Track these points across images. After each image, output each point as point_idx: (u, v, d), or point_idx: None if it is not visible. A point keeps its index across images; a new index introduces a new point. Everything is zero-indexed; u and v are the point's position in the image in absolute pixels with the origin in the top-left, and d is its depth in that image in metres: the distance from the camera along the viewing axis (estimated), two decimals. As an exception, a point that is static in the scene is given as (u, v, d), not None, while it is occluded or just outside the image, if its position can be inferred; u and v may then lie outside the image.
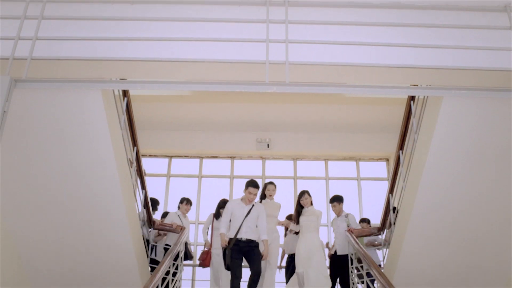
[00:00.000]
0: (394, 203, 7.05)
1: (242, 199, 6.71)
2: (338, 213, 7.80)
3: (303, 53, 4.86)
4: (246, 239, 6.39)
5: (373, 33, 4.91)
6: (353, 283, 7.13)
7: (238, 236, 6.39)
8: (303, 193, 7.31)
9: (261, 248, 6.61)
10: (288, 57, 4.59)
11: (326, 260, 7.05)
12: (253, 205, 6.64)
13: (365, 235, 8.14)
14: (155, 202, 8.34)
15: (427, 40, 4.91)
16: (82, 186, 5.72)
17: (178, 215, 8.06)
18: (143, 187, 7.19)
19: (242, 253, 6.39)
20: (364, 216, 10.40)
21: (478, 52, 4.86)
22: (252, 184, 6.61)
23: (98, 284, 6.68)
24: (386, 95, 8.64)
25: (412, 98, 6.12)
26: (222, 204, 7.82)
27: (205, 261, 7.63)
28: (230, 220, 6.59)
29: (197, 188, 10.65)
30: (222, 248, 6.45)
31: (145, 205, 7.33)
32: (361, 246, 6.75)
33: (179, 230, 7.42)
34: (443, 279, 6.49)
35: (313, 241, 6.94)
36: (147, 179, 7.47)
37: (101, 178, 5.67)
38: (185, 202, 8.32)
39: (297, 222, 7.26)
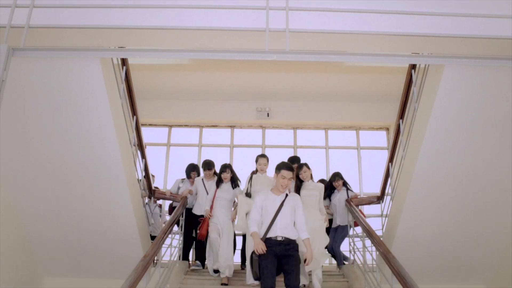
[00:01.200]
0: (394, 172, 7.06)
1: (271, 189, 5.28)
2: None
3: (303, 21, 4.81)
4: (283, 237, 4.90)
5: (374, 1, 4.85)
6: (353, 252, 7.20)
7: (271, 235, 4.93)
8: (301, 165, 6.73)
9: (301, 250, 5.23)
10: (289, 25, 4.55)
11: (326, 238, 6.47)
12: (286, 194, 5.17)
13: (365, 204, 8.19)
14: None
15: (429, 7, 4.86)
16: (82, 155, 5.73)
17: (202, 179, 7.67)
18: (143, 156, 7.20)
19: (276, 257, 4.88)
20: (364, 186, 10.46)
21: (480, 20, 4.82)
22: (285, 166, 5.20)
23: (100, 252, 6.74)
24: (387, 64, 8.57)
25: (413, 66, 6.07)
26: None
27: (201, 230, 6.96)
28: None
29: (197, 157, 10.65)
30: (255, 253, 4.82)
31: (146, 175, 7.35)
32: (361, 216, 6.79)
33: (178, 199, 7.45)
34: (441, 247, 6.55)
35: (315, 219, 6.37)
36: (147, 148, 7.47)
37: (101, 147, 5.67)
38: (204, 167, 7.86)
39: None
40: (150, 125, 10.78)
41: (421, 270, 6.53)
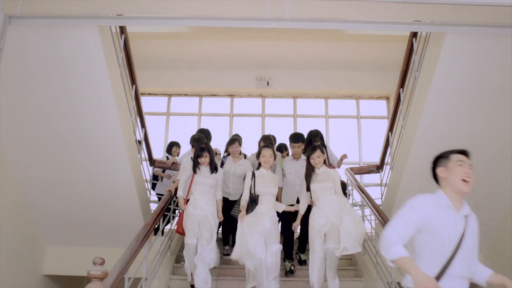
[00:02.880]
0: (394, 141, 7.06)
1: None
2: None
3: (304, -12, 4.75)
4: None
5: (376, -33, 4.79)
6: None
7: None
8: (313, 149, 5.69)
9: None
10: (289, -8, 4.49)
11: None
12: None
13: (364, 173, 8.21)
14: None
15: (431, -26, 4.80)
16: (82, 125, 5.72)
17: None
18: (143, 125, 7.19)
19: None
20: (364, 156, 10.47)
21: (482, -14, 4.76)
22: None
23: (101, 221, 6.79)
24: (388, 32, 8.48)
25: (414, 34, 6.02)
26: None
27: (178, 226, 6.01)
28: None
29: (196, 126, 10.62)
30: None
31: (146, 144, 7.35)
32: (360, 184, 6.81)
33: (178, 167, 7.46)
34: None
35: (337, 206, 5.42)
36: (146, 118, 7.45)
37: (101, 116, 5.66)
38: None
39: (308, 189, 5.66)
40: (150, 94, 10.74)
41: (419, 238, 6.58)
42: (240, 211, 5.63)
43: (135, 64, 6.61)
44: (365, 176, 8.86)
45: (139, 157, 6.87)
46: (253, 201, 5.58)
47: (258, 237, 5.34)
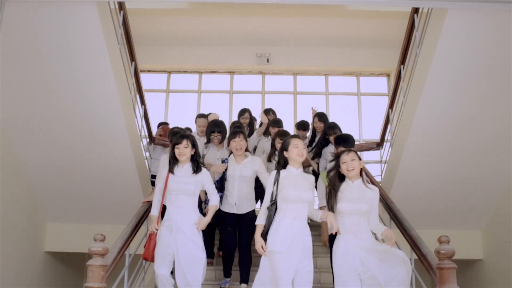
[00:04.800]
0: (394, 118, 7.05)
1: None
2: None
3: (304, -37, 4.70)
4: None
5: None
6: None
7: None
8: (346, 152, 4.25)
9: None
10: (289, -33, 4.44)
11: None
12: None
13: (364, 150, 8.22)
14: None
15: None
16: (81, 102, 5.71)
17: None
18: (143, 102, 7.17)
19: None
20: (364, 133, 10.46)
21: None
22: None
23: (102, 198, 6.82)
24: (390, 7, 8.42)
25: (416, 10, 5.96)
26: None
27: (146, 251, 4.63)
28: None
29: (196, 103, 10.61)
30: None
31: (146, 121, 7.33)
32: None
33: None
34: (439, 193, 6.61)
35: (372, 242, 4.08)
36: (146, 95, 7.42)
37: (100, 93, 5.64)
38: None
39: (331, 209, 4.14)
40: (149, 71, 10.68)
41: (418, 215, 6.61)
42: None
43: (134, 41, 6.57)
44: (365, 153, 8.86)
45: (139, 134, 6.86)
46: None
47: (290, 271, 3.92)
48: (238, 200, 5.22)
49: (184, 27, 9.94)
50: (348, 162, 4.15)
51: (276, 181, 4.18)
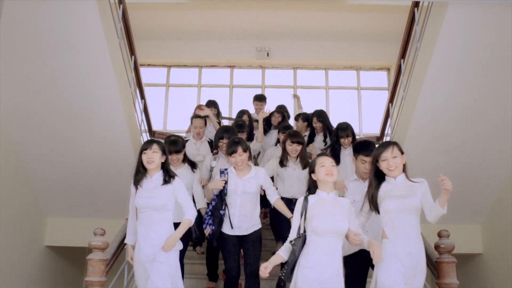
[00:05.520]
0: (394, 113, 7.05)
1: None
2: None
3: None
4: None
5: None
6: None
7: None
8: (386, 145, 3.73)
9: None
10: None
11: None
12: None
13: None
14: None
15: None
16: (81, 96, 5.71)
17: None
18: (142, 96, 7.16)
19: None
20: (364, 127, 10.46)
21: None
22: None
23: (102, 193, 6.82)
24: (390, 1, 8.43)
25: (416, 4, 5.95)
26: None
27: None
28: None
29: (196, 98, 10.59)
30: None
31: (145, 115, 7.33)
32: None
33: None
34: (439, 188, 6.60)
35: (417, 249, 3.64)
36: (146, 89, 7.41)
37: (100, 87, 5.64)
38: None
39: (376, 210, 3.71)
40: (149, 65, 10.66)
41: (418, 209, 6.61)
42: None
43: (134, 35, 6.56)
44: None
45: (139, 128, 6.86)
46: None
47: None
48: (239, 220, 4.38)
49: (184, 21, 9.92)
50: (390, 159, 3.61)
51: (304, 209, 3.58)
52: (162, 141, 4.23)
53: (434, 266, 4.24)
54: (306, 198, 3.63)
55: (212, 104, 7.04)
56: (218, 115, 7.11)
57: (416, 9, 5.94)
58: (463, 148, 6.15)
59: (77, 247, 7.46)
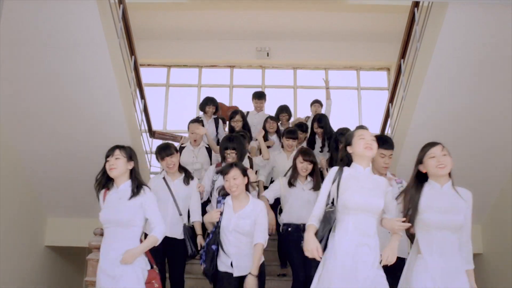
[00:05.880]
0: (394, 113, 7.05)
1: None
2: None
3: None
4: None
5: None
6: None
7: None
8: (433, 143, 3.38)
9: None
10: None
11: None
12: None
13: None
14: None
15: None
16: (81, 96, 5.71)
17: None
18: (142, 96, 7.16)
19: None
20: (363, 125, 10.44)
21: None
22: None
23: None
24: (390, 1, 8.42)
25: (416, 4, 5.95)
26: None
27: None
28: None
29: (196, 98, 10.58)
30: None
31: (145, 115, 7.33)
32: None
33: (179, 139, 7.45)
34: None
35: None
36: (146, 89, 7.41)
37: (100, 87, 5.64)
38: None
39: (411, 222, 3.21)
40: (149, 65, 10.65)
41: (418, 209, 6.61)
42: None
43: (134, 35, 6.56)
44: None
45: (139, 128, 6.86)
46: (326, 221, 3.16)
47: None
48: (236, 259, 3.83)
49: (184, 21, 9.92)
50: (439, 156, 3.23)
51: (336, 180, 3.21)
52: (128, 148, 3.69)
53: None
54: (341, 169, 3.26)
55: (210, 101, 6.88)
56: (217, 111, 6.99)
57: (416, 9, 5.94)
58: (463, 148, 6.14)
59: (77, 247, 7.46)
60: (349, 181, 3.18)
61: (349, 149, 3.33)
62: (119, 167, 3.53)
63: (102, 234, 4.20)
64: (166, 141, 4.84)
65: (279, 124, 6.93)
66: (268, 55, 10.43)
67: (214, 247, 3.88)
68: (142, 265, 3.43)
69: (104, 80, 5.55)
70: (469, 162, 6.29)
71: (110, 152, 3.61)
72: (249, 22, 9.90)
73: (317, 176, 4.64)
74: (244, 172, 3.90)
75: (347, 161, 3.33)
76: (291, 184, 4.62)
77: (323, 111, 7.79)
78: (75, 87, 5.60)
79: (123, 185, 3.56)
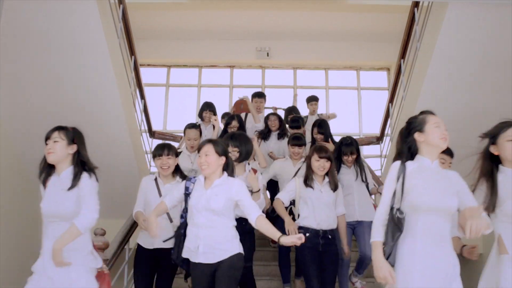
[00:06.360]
0: (394, 113, 7.05)
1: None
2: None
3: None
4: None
5: None
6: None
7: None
8: (510, 125, 3.15)
9: None
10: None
11: None
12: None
13: (364, 144, 8.21)
14: None
15: None
16: (81, 97, 5.71)
17: None
18: (142, 96, 7.16)
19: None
20: (364, 127, 10.46)
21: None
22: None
23: (101, 193, 6.80)
24: (390, 1, 8.43)
25: (416, 4, 5.96)
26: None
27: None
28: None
29: (196, 98, 10.59)
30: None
31: (145, 115, 7.33)
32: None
33: (179, 139, 7.45)
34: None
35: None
36: (146, 89, 7.41)
37: (100, 87, 5.64)
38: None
39: (489, 208, 2.89)
40: (149, 65, 10.66)
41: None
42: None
43: (133, 35, 6.56)
44: (365, 147, 8.86)
45: (139, 128, 6.86)
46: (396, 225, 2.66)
47: None
48: (204, 244, 3.41)
49: (184, 21, 9.92)
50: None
51: (401, 177, 2.74)
52: (70, 129, 3.39)
53: (434, 266, 4.22)
54: (403, 164, 2.79)
55: (207, 106, 6.73)
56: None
57: (416, 9, 5.94)
58: (463, 148, 6.13)
59: (77, 247, 7.45)
60: (416, 178, 2.72)
61: (418, 136, 2.93)
62: (57, 151, 3.17)
63: (102, 234, 4.22)
64: (168, 142, 4.61)
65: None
66: (268, 55, 10.43)
67: (182, 231, 3.56)
68: (88, 262, 3.07)
69: (104, 80, 5.55)
70: (469, 162, 6.28)
71: (48, 134, 3.22)
72: (249, 22, 9.90)
73: (333, 176, 4.32)
74: (223, 152, 3.51)
75: (409, 155, 2.88)
76: (307, 184, 4.24)
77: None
78: (75, 87, 5.60)
79: (65, 173, 3.19)
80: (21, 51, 5.21)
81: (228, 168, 3.56)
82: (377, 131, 7.96)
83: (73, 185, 3.09)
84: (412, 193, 2.67)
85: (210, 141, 3.56)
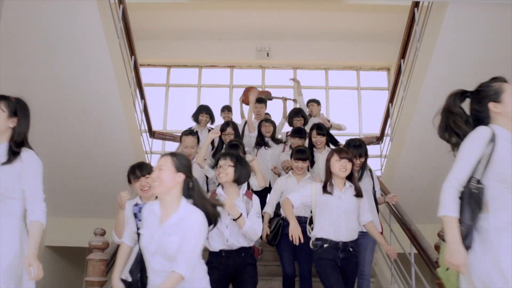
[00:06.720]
0: (394, 113, 7.05)
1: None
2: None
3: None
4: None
5: None
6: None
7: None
8: None
9: None
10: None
11: None
12: None
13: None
14: None
15: None
16: (81, 96, 5.71)
17: None
18: (142, 96, 7.16)
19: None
20: (364, 127, 10.45)
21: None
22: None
23: (98, 193, 6.81)
24: (390, 1, 8.42)
25: (416, 4, 5.96)
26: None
27: None
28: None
29: (196, 98, 10.58)
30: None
31: (145, 115, 7.33)
32: None
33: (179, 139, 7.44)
34: (439, 187, 6.60)
35: None
36: (146, 89, 7.41)
37: (100, 87, 5.64)
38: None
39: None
40: (149, 65, 10.65)
41: (418, 210, 6.61)
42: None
43: (133, 35, 6.56)
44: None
45: (138, 128, 6.86)
46: None
47: None
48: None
49: (184, 21, 9.92)
50: None
51: (491, 144, 2.43)
52: (13, 99, 3.04)
53: (434, 266, 4.24)
54: (491, 128, 2.53)
55: (204, 109, 6.55)
56: (212, 120, 6.58)
57: (416, 9, 5.94)
58: (463, 148, 6.15)
59: (77, 247, 7.46)
60: (506, 147, 2.37)
61: (494, 107, 2.63)
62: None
63: (102, 234, 4.21)
64: (141, 161, 4.07)
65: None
66: (268, 55, 10.43)
67: (139, 275, 2.97)
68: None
69: (104, 80, 5.55)
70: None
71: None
72: (249, 22, 9.90)
73: (355, 180, 4.00)
74: (183, 169, 2.80)
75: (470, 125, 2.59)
76: (326, 190, 3.88)
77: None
78: (75, 87, 5.60)
79: (1, 147, 2.86)
80: (20, 51, 5.21)
81: (191, 191, 2.81)
82: (377, 131, 7.96)
83: (8, 161, 2.80)
84: (501, 162, 2.35)
85: (170, 153, 2.89)
